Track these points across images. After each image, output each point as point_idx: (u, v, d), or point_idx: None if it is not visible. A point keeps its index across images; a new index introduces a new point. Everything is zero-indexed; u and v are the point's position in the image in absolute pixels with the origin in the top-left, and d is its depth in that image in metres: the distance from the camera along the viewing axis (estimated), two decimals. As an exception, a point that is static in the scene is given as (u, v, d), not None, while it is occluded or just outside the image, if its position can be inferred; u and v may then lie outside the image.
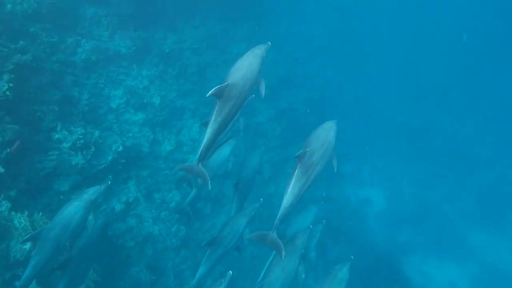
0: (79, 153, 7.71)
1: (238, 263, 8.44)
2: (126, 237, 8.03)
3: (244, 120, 7.11)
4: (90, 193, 5.30)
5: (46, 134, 7.57)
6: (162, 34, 11.28)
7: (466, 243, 14.31)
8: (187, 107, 10.71)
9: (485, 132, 18.79)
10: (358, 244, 10.92)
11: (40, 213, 6.35)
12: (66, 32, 8.94)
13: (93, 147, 7.94)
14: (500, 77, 23.43)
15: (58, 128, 7.70)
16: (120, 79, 9.70)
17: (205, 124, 4.35)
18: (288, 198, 4.55)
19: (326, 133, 4.76)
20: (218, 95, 4.19)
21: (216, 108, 4.25)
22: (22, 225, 5.95)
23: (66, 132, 7.76)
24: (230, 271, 5.05)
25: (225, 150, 6.48)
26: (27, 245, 5.69)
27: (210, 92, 4.12)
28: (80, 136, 7.84)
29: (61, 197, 7.14)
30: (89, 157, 7.80)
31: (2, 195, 6.13)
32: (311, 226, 6.02)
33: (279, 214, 4.57)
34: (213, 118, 4.26)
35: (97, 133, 8.19)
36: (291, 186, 4.55)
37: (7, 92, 6.65)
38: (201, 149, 4.36)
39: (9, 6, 7.74)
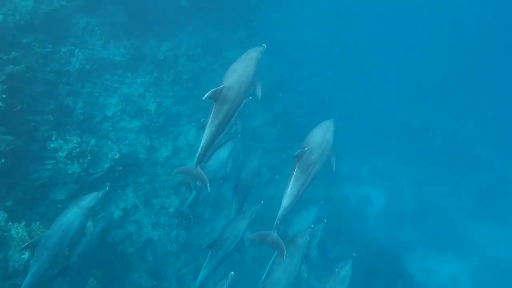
0: (75, 161, 7.66)
1: (239, 266, 8.39)
2: (125, 243, 7.97)
3: (241, 123, 7.13)
4: (88, 200, 5.26)
5: (41, 144, 7.53)
6: (156, 42, 11.32)
7: (466, 238, 14.35)
8: (183, 113, 10.71)
9: (485, 132, 18.90)
10: (359, 243, 10.89)
11: (37, 223, 6.26)
12: (60, 42, 8.94)
13: (89, 155, 7.90)
14: (500, 77, 23.60)
15: (54, 137, 7.67)
16: (114, 87, 9.69)
17: (202, 127, 4.36)
18: (287, 198, 4.55)
19: (323, 132, 4.78)
20: (214, 98, 4.20)
21: (213, 111, 4.25)
22: (20, 235, 5.87)
23: (62, 141, 7.73)
24: (232, 272, 5.02)
25: (223, 153, 6.47)
26: (26, 255, 5.60)
27: (206, 95, 4.13)
28: (75, 144, 7.80)
29: (58, 206, 7.09)
30: (85, 165, 7.75)
31: (-1, 206, 6.07)
32: (312, 226, 5.99)
33: (279, 214, 4.56)
34: (210, 121, 4.27)
35: (93, 141, 8.16)
36: (290, 186, 4.54)
37: (0, 103, 6.61)
38: (199, 152, 4.37)
39: (0, 17, 7.73)
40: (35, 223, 6.22)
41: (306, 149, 4.55)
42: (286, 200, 4.54)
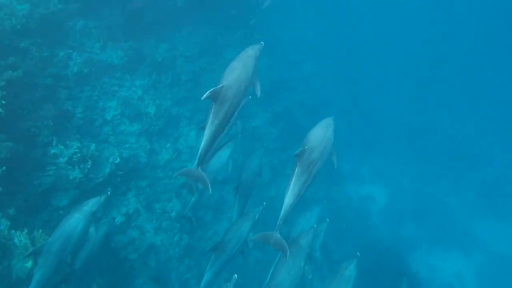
0: (76, 167, 7.63)
1: (243, 269, 8.36)
2: (128, 249, 7.94)
3: (242, 123, 7.09)
4: (90, 205, 5.24)
5: (42, 150, 7.49)
6: (153, 43, 11.26)
7: (470, 234, 14.34)
8: (183, 114, 10.65)
9: (485, 131, 18.88)
10: (363, 242, 10.86)
11: (40, 230, 6.23)
12: (57, 46, 8.89)
13: (90, 160, 7.86)
14: (499, 77, 23.55)
15: (54, 143, 7.63)
16: (113, 90, 9.64)
17: (202, 128, 4.32)
18: (289, 197, 4.53)
19: (324, 130, 4.76)
20: (214, 97, 4.16)
21: (212, 110, 4.22)
22: (23, 243, 5.85)
23: (62, 147, 7.69)
24: (236, 275, 4.99)
25: (224, 154, 6.45)
26: (29, 263, 5.59)
27: (205, 95, 4.09)
28: (76, 150, 7.76)
29: (60, 212, 7.05)
30: (86, 170, 7.71)
31: (1, 214, 6.04)
32: (315, 226, 5.96)
33: (281, 213, 4.54)
34: (210, 121, 4.23)
35: (93, 146, 8.12)
36: (292, 184, 4.52)
37: (0, 110, 6.58)
38: (199, 152, 4.33)
39: (-3, 22, 7.70)
40: (38, 230, 6.19)
41: (306, 147, 4.53)
42: (288, 199, 4.52)
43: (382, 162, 16.03)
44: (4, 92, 6.80)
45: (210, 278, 5.76)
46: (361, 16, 23.32)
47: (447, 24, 27.32)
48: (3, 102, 6.67)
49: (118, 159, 8.32)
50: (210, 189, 4.54)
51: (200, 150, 4.30)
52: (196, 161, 4.40)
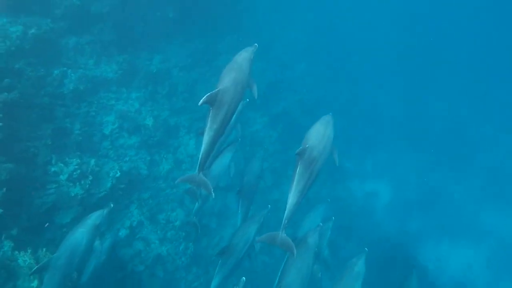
0: (77, 183, 7.63)
1: (250, 274, 8.28)
2: (135, 261, 7.91)
3: (241, 127, 7.08)
4: (94, 218, 5.23)
5: (42, 169, 7.50)
6: (147, 55, 11.31)
7: (477, 225, 14.21)
8: (181, 124, 10.65)
9: (488, 117, 18.82)
10: (370, 238, 10.79)
11: (44, 249, 6.21)
12: (51, 64, 8.93)
13: (90, 176, 7.86)
14: (500, 76, 23.51)
15: (53, 161, 7.65)
16: (110, 105, 9.66)
17: (201, 133, 4.31)
18: (293, 196, 4.49)
19: (323, 127, 4.74)
20: (210, 102, 4.15)
21: (210, 115, 4.21)
22: (27, 263, 5.83)
23: (62, 164, 7.70)
24: (244, 278, 4.95)
25: (225, 158, 6.43)
26: (35, 283, 5.56)
27: (201, 100, 4.08)
28: (76, 166, 7.78)
29: (64, 230, 7.01)
30: (87, 186, 7.71)
31: (4, 235, 6.02)
32: (321, 224, 5.92)
33: (286, 213, 4.50)
34: (208, 126, 4.22)
35: (93, 161, 8.12)
36: (294, 184, 4.49)
37: (-2, 132, 6.59)
38: (200, 158, 4.31)
39: (-9, 45, 7.74)
40: (42, 249, 6.16)
41: (307, 146, 4.51)
42: (291, 199, 4.48)
43: (385, 157, 15.98)
44: (1, 115, 6.82)
45: (218, 283, 5.71)
46: (358, 13, 23.36)
47: (443, 18, 27.38)
48: (1, 124, 6.69)
49: (119, 173, 8.32)
50: (213, 194, 4.51)
51: (200, 155, 4.29)
52: (197, 166, 4.38)
